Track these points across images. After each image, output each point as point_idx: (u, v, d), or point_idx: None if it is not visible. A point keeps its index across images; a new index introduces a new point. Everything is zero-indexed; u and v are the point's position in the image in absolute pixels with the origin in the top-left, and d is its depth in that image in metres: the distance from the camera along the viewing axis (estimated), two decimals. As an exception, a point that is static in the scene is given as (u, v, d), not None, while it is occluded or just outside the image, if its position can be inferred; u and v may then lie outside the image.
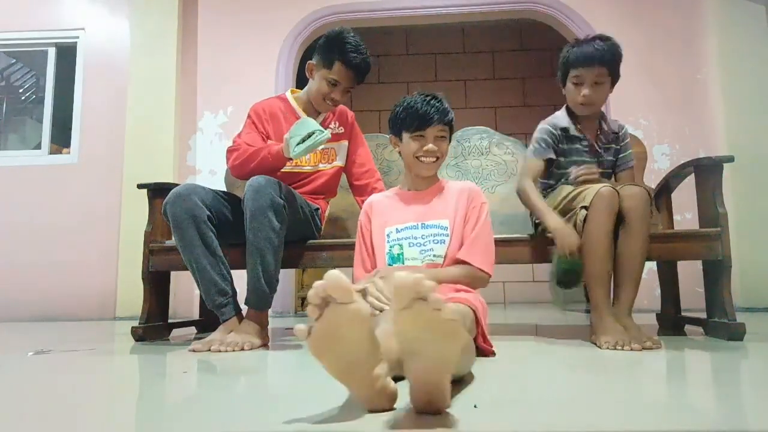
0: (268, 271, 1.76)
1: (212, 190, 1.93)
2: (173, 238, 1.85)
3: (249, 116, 2.09)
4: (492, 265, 1.57)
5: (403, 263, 1.56)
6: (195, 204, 1.80)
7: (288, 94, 2.15)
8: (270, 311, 1.92)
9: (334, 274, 0.78)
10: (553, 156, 1.96)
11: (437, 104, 1.57)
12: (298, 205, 1.88)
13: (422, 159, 1.60)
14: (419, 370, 0.79)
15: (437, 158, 1.60)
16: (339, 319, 0.78)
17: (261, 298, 1.77)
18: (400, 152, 1.67)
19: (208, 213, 1.83)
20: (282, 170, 2.04)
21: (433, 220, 1.59)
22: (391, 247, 1.58)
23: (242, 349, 1.69)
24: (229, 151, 2.00)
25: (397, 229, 1.60)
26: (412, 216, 1.61)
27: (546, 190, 2.02)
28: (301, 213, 1.91)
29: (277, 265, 1.79)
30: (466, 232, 1.57)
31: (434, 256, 1.54)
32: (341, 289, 0.78)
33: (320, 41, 2.00)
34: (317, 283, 0.78)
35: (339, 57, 1.94)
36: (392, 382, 0.86)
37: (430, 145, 1.57)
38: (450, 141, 1.66)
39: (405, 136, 1.62)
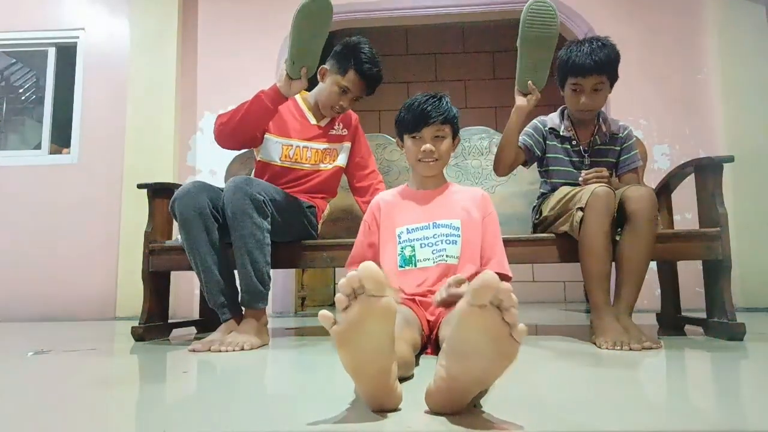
0: (258, 268, 1.76)
1: (220, 189, 1.93)
2: (180, 236, 1.84)
3: None
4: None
5: (415, 265, 1.55)
6: (204, 202, 1.79)
7: (296, 95, 2.14)
8: (270, 311, 1.93)
9: (371, 266, 0.75)
10: (536, 151, 1.99)
11: (434, 103, 1.55)
12: (284, 202, 1.87)
13: (422, 160, 1.59)
14: (459, 372, 0.77)
15: (437, 159, 1.59)
16: (368, 312, 0.76)
17: (255, 296, 1.77)
18: (405, 153, 1.67)
19: (215, 212, 1.83)
20: (282, 165, 2.04)
21: (443, 219, 1.57)
22: (402, 248, 1.56)
23: (242, 349, 1.69)
24: (218, 116, 1.99)
25: (408, 229, 1.58)
26: (422, 215, 1.59)
27: (544, 194, 2.04)
28: (291, 211, 1.91)
29: (267, 261, 1.78)
30: (487, 242, 1.58)
31: (447, 256, 1.53)
32: (376, 281, 0.75)
33: (336, 48, 2.02)
34: (351, 273, 0.75)
35: (354, 65, 1.96)
36: (398, 383, 0.86)
37: (426, 146, 1.56)
38: (456, 139, 1.64)
39: (406, 137, 1.61)
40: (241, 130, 1.94)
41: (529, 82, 1.85)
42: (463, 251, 1.55)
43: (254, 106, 1.92)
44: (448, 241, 1.55)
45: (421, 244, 1.55)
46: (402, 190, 1.71)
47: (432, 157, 1.57)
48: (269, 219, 1.79)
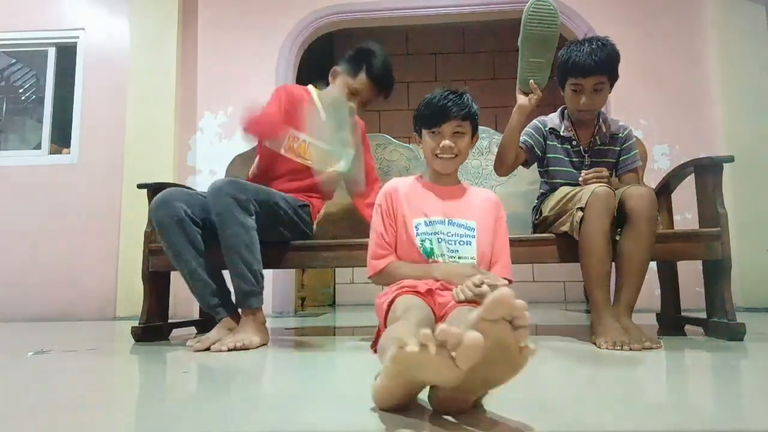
0: (249, 267, 1.76)
1: (195, 192, 1.93)
2: (162, 245, 1.85)
3: (277, 94, 2.05)
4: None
5: (434, 259, 1.51)
6: (179, 209, 1.80)
7: (312, 89, 2.13)
8: (270, 311, 1.93)
9: (479, 341, 0.69)
10: (537, 151, 1.99)
11: (455, 98, 1.52)
12: (270, 200, 1.86)
13: (439, 156, 1.56)
14: (465, 378, 0.76)
15: (455, 155, 1.56)
16: (437, 368, 0.72)
17: (249, 296, 1.77)
18: (423, 149, 1.63)
19: (193, 216, 1.83)
20: (284, 156, 2.02)
21: (459, 218, 1.54)
22: (422, 241, 1.51)
23: (244, 348, 1.69)
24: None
25: (425, 222, 1.53)
26: (439, 210, 1.55)
27: (544, 195, 2.04)
28: (278, 209, 1.89)
29: (257, 258, 1.78)
30: (496, 245, 1.56)
31: (459, 257, 1.50)
32: (472, 355, 0.70)
33: (349, 51, 2.03)
34: (456, 331, 0.70)
35: (365, 69, 1.96)
36: None
37: (446, 142, 1.53)
38: (474, 136, 1.62)
39: (424, 132, 1.59)
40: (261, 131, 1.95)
41: (531, 81, 1.86)
42: (478, 253, 1.53)
43: (265, 121, 1.92)
44: (462, 242, 1.52)
45: (438, 239, 1.51)
46: (416, 179, 1.65)
47: (451, 152, 1.55)
48: (254, 217, 1.79)
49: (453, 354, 0.70)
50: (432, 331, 0.71)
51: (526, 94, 1.89)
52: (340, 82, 2.02)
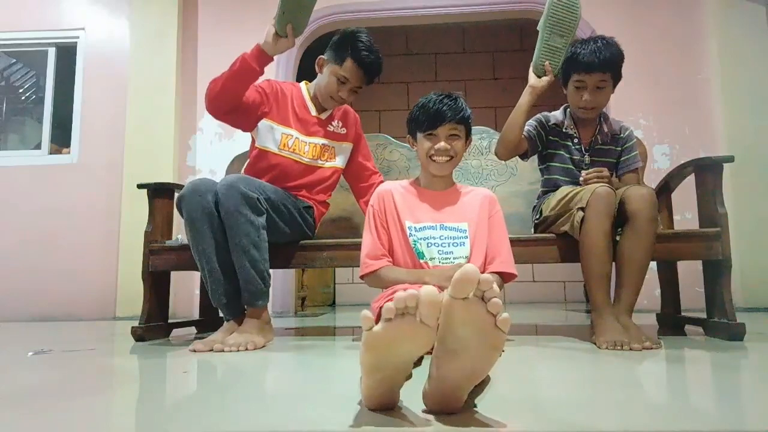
0: (256, 266, 1.76)
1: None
2: (186, 234, 1.84)
3: (259, 84, 2.02)
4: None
5: (425, 260, 1.54)
6: (209, 201, 1.78)
7: (302, 85, 2.13)
8: (270, 311, 1.93)
9: (433, 293, 0.73)
10: (538, 143, 2.00)
11: (450, 102, 1.55)
12: (279, 201, 1.86)
13: (435, 158, 1.58)
14: (449, 370, 0.78)
15: (451, 158, 1.58)
16: (408, 333, 0.74)
17: (255, 295, 1.77)
18: (417, 151, 1.66)
19: (219, 211, 1.82)
20: (280, 155, 1.99)
21: (451, 222, 1.57)
22: (414, 242, 1.55)
23: (246, 349, 1.69)
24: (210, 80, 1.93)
25: (415, 227, 1.57)
26: (429, 216, 1.58)
27: (544, 193, 2.04)
28: (286, 210, 1.89)
29: (264, 258, 1.78)
30: (492, 241, 1.57)
31: (454, 258, 1.53)
32: (433, 309, 0.73)
33: (334, 38, 2.00)
34: (412, 292, 0.74)
35: (351, 54, 1.93)
36: None
37: (442, 144, 1.55)
38: (468, 140, 1.64)
39: (419, 135, 1.61)
40: (224, 91, 1.88)
41: (546, 63, 1.88)
42: (472, 252, 1.54)
43: (238, 66, 1.86)
44: (454, 244, 1.54)
45: (428, 244, 1.54)
46: (411, 185, 1.68)
47: (447, 154, 1.57)
48: (264, 216, 1.79)
49: (418, 318, 0.73)
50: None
51: (539, 77, 1.91)
52: (327, 71, 1.99)
